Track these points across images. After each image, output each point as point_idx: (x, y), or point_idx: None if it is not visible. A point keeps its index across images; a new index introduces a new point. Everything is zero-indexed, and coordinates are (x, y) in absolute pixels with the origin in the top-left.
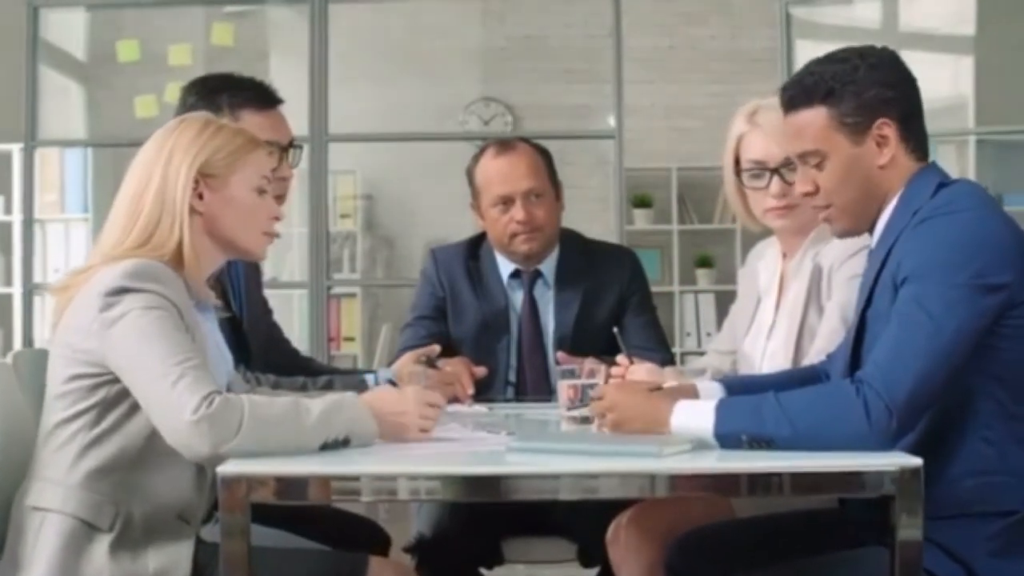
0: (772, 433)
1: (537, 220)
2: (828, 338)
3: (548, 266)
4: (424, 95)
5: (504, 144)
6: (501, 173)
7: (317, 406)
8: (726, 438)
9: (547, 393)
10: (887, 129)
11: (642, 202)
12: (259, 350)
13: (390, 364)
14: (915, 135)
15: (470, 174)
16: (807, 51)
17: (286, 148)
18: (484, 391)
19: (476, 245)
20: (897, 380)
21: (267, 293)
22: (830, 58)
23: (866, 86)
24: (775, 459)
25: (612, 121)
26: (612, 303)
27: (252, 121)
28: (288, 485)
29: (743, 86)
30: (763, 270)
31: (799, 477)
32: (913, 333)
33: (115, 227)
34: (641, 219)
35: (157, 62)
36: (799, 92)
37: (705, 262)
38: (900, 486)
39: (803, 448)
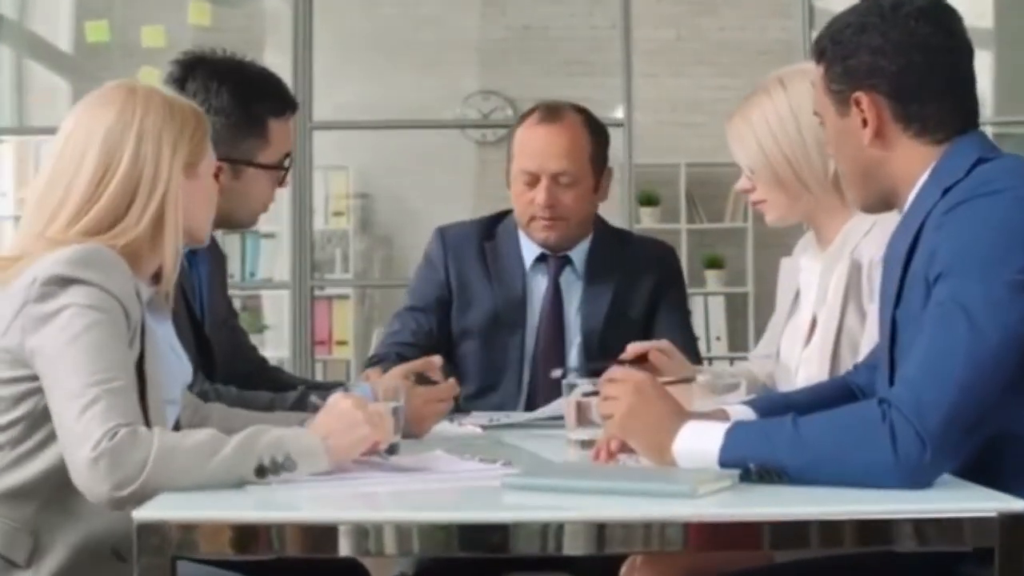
0: (783, 462)
1: (561, 208)
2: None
3: (579, 253)
4: (420, 87)
5: (551, 111)
6: (534, 145)
7: (240, 434)
8: (731, 466)
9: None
10: (865, 103)
11: (648, 200)
12: (222, 358)
13: (366, 366)
14: (921, 116)
15: (511, 135)
16: None
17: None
18: (492, 397)
19: (494, 223)
20: (930, 402)
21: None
22: (851, 9)
23: (851, 49)
24: (827, 504)
25: (619, 113)
26: (645, 298)
27: (276, 129)
28: (241, 536)
29: (753, 79)
30: (805, 265)
31: (867, 525)
32: (949, 342)
33: (61, 207)
34: (647, 218)
35: (129, 45)
36: (813, 46)
37: (715, 263)
38: (1002, 536)
39: (818, 483)
